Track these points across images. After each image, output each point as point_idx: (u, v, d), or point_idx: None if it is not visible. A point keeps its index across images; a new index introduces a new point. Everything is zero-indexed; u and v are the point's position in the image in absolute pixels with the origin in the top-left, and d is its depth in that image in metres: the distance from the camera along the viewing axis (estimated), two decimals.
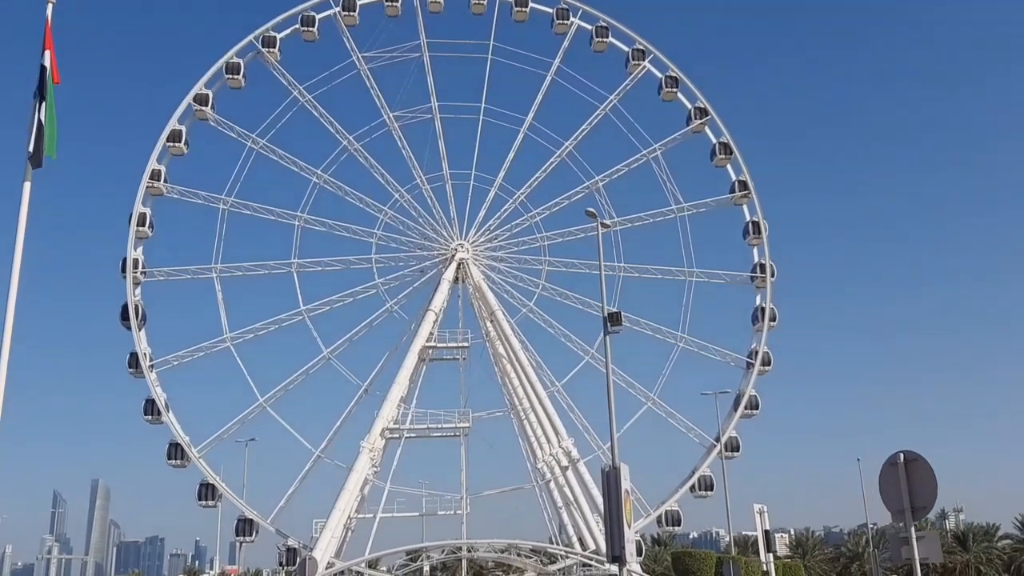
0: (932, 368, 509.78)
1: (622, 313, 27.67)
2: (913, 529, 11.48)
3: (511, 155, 70.56)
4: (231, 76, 67.24)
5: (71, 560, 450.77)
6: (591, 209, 34.89)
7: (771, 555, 23.10)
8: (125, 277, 63.14)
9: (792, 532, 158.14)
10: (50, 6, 22.07)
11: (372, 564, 68.44)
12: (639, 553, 67.88)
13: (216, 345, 64.51)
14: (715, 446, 64.59)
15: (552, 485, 68.32)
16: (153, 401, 61.18)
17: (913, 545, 11.51)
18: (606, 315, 27.00)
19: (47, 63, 21.40)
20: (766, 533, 25.74)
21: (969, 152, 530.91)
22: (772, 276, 68.82)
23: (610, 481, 28.11)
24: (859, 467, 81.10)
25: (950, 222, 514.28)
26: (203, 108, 66.67)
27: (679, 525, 66.24)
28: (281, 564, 62.38)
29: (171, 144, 65.84)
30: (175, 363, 63.79)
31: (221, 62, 67.28)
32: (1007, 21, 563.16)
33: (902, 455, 11.86)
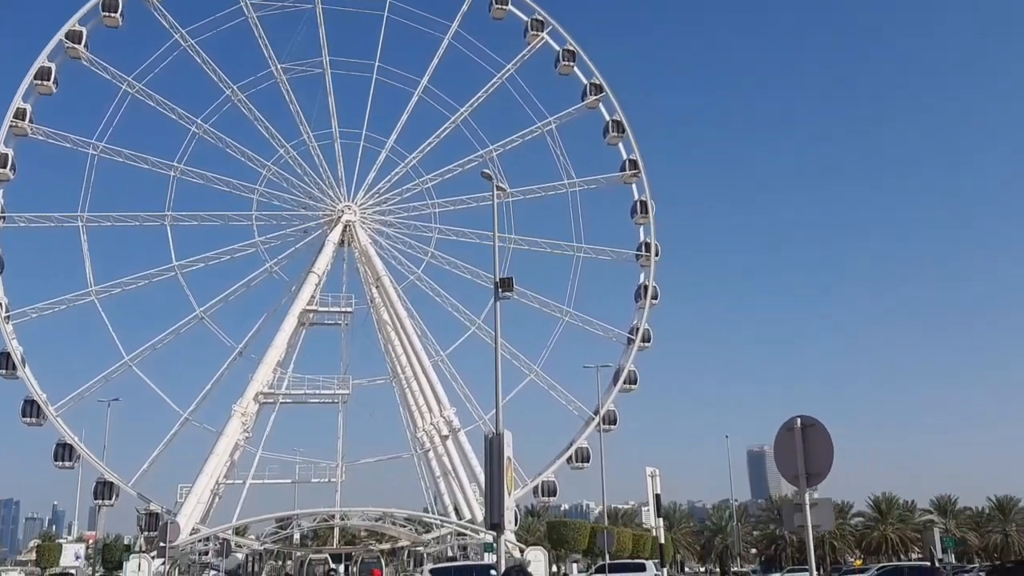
0: (803, 351, 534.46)
1: (513, 280, 27.07)
2: (807, 496, 11.37)
3: (404, 117, 69.15)
4: (108, 14, 62.96)
5: None
6: (487, 171, 34.15)
7: (661, 519, 22.90)
8: None
9: None
10: None
11: (240, 531, 66.50)
12: (514, 522, 68.30)
13: (80, 298, 60.87)
14: (593, 419, 65.34)
15: (431, 454, 67.84)
16: (8, 354, 57.22)
17: (807, 512, 11.38)
18: (498, 279, 26.36)
19: None
20: (656, 497, 25.49)
21: (862, 124, 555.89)
22: (656, 255, 69.87)
23: (493, 448, 27.54)
24: (727, 444, 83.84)
25: (834, 194, 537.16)
26: (76, 46, 62.30)
27: (555, 496, 66.90)
28: (141, 529, 59.73)
29: (39, 82, 61.27)
30: (34, 315, 59.87)
31: None
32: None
33: (799, 420, 11.70)
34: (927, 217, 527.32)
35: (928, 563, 56.17)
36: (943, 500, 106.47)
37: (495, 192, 27.86)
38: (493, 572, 37.78)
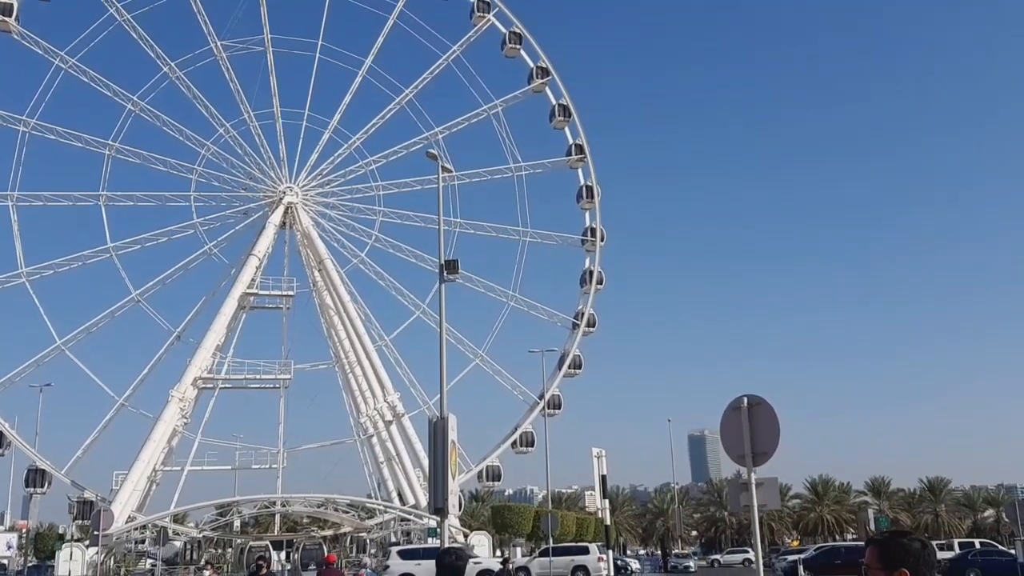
0: (742, 335, 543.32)
1: (459, 262, 26.68)
2: (753, 475, 11.27)
3: (348, 98, 68.04)
4: None
5: None
6: (433, 151, 33.66)
7: (607, 500, 22.76)
8: None
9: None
10: None
11: (178, 519, 65.21)
12: (458, 507, 68.15)
13: (10, 280, 58.96)
14: (538, 403, 65.38)
15: (375, 440, 67.22)
16: None
17: (752, 491, 11.27)
18: (443, 261, 25.95)
19: None
20: (603, 478, 25.26)
21: (808, 100, 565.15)
22: (602, 240, 70.07)
23: (437, 432, 27.21)
24: (669, 428, 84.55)
25: (780, 183, 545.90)
26: (6, 19, 60.00)
27: (499, 480, 66.92)
28: (74, 518, 58.15)
29: None
30: None
31: None
32: None
33: (746, 399, 11.63)
34: (866, 197, 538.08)
35: (863, 543, 57.43)
36: (877, 482, 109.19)
37: (440, 173, 27.41)
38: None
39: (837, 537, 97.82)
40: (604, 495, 24.62)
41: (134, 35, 63.33)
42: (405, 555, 44.22)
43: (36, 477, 56.37)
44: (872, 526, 61.29)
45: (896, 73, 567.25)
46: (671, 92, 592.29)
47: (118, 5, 62.72)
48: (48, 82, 60.92)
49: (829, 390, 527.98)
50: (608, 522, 24.69)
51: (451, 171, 28.21)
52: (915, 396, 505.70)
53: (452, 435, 26.96)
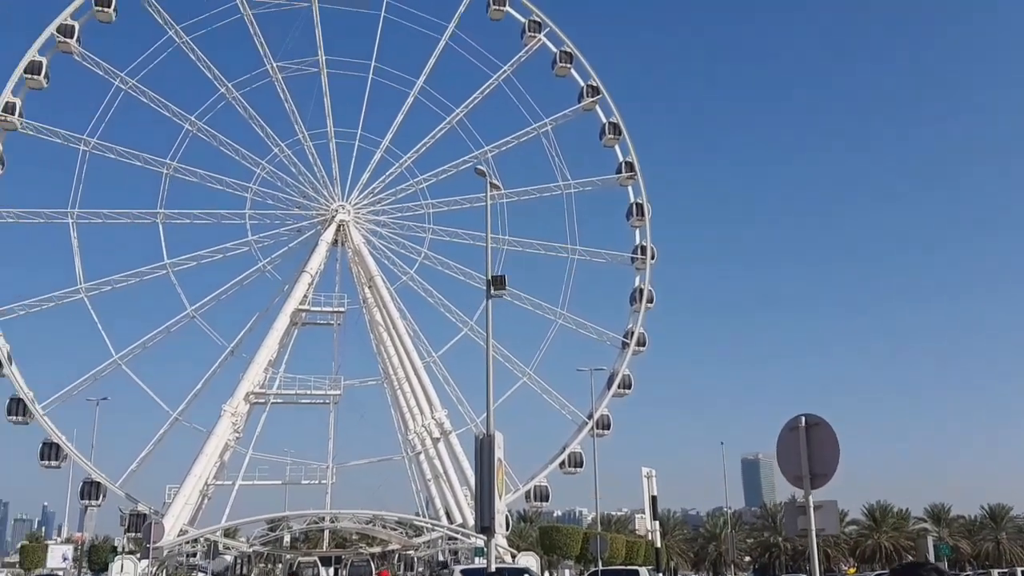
0: (800, 359, 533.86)
1: (506, 278, 26.46)
2: (811, 499, 10.74)
3: (400, 117, 68.59)
4: (100, 8, 62.40)
5: None
6: (481, 167, 33.58)
7: (657, 522, 21.58)
8: None
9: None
10: None
11: (229, 533, 65.71)
12: (506, 527, 67.64)
13: (69, 296, 60.20)
14: (587, 423, 64.68)
15: (422, 457, 67.12)
16: None
17: (811, 515, 10.73)
18: (490, 277, 25.75)
19: None
20: (653, 499, 24.20)
21: (860, 127, 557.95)
22: (652, 258, 69.37)
23: (483, 449, 26.89)
24: (722, 450, 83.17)
25: (833, 203, 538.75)
26: (67, 40, 61.71)
27: (547, 501, 66.22)
28: (126, 530, 58.89)
29: (29, 76, 60.64)
30: (21, 312, 59.18)
31: None
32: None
33: (804, 418, 11.16)
34: (928, 233, 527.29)
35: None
36: (937, 508, 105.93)
37: (488, 189, 27.30)
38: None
39: (896, 566, 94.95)
40: (655, 516, 23.62)
41: (192, 56, 64.73)
42: (468, 574, 43.75)
43: (91, 490, 57.27)
44: (931, 554, 59.26)
45: None
46: (724, 110, 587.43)
47: (177, 27, 64.20)
48: (108, 102, 62.40)
49: (888, 418, 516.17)
50: (659, 544, 23.63)
51: (499, 188, 28.10)
52: (976, 423, 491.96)
53: (499, 453, 26.63)
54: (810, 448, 10.64)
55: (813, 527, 10.71)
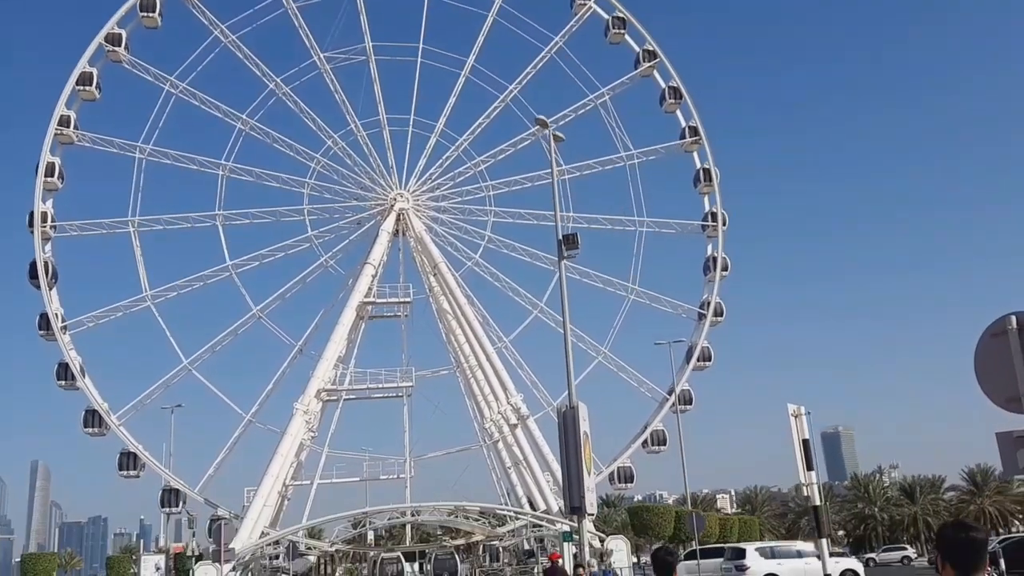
0: (879, 315, 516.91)
1: (579, 235, 24.39)
2: None
3: (452, 100, 66.79)
4: (146, 14, 62.05)
5: (11, 541, 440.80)
6: (541, 116, 31.54)
7: (812, 473, 18.47)
8: (33, 232, 58.13)
9: (733, 492, 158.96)
10: None
11: (314, 533, 65.00)
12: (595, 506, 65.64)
13: (135, 304, 59.95)
14: (667, 400, 62.25)
15: (500, 444, 65.44)
16: (66, 365, 56.49)
17: None
18: (560, 236, 23.68)
19: None
20: (804, 443, 20.88)
21: (936, 91, 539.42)
22: (724, 225, 66.47)
23: (567, 423, 24.92)
24: (809, 420, 79.65)
25: (913, 163, 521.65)
26: (116, 49, 61.50)
27: (632, 482, 63.97)
28: (209, 536, 58.45)
29: (81, 88, 60.57)
30: (90, 324, 59.20)
31: None
32: None
33: (1014, 318, 8.29)
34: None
35: None
36: None
37: (552, 142, 25.24)
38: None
39: (1000, 531, 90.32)
40: (808, 466, 20.27)
41: (239, 55, 63.98)
42: (765, 554, 41.90)
43: (170, 497, 57.12)
44: None
45: None
46: (787, 74, 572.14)
47: (222, 27, 63.43)
48: (160, 107, 61.98)
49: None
50: (817, 501, 19.82)
51: (560, 137, 25.90)
52: None
53: (584, 426, 24.59)
54: None
55: None
